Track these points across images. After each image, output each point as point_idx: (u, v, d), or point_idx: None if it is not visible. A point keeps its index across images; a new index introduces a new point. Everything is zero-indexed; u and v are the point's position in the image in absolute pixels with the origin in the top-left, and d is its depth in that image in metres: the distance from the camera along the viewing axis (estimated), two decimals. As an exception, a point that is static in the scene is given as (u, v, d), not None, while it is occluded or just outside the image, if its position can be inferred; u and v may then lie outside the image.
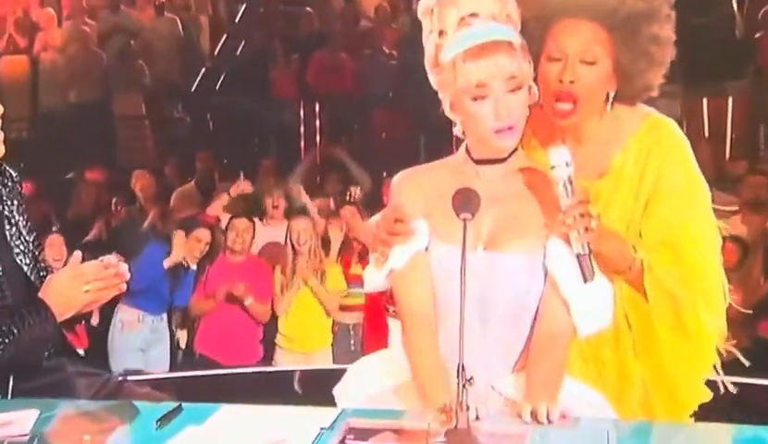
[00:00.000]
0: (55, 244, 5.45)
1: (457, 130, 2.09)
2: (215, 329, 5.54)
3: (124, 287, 2.20)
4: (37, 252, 2.31)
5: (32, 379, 2.17)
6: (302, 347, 5.68)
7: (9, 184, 2.28)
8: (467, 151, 2.11)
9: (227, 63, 10.47)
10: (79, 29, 9.78)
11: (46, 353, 2.22)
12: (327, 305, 5.71)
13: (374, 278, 2.11)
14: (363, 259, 5.85)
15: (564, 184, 2.00)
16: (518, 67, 1.99)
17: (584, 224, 1.98)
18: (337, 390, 2.19)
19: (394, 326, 6.17)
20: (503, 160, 2.08)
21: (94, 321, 5.36)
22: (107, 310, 5.50)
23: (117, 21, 10.05)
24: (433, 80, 2.08)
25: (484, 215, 1.96)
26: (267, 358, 5.71)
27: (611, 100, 2.22)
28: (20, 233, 2.26)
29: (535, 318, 2.07)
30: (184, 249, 5.56)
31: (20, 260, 2.23)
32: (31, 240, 2.30)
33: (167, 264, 5.56)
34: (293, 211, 6.27)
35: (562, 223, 1.99)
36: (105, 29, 9.96)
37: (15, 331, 2.09)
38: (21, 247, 2.25)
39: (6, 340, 2.08)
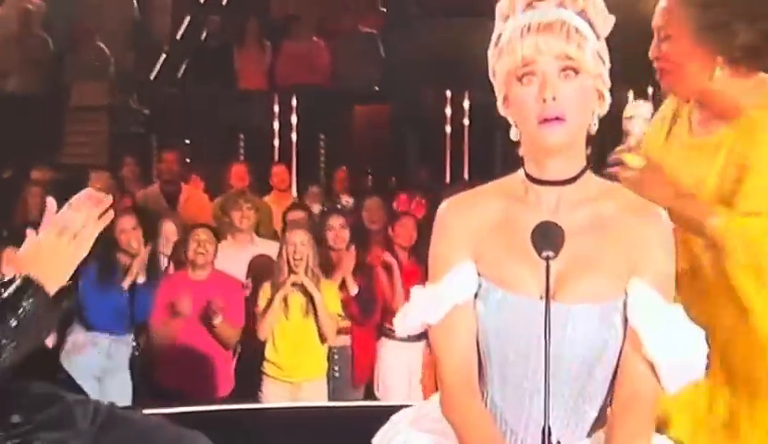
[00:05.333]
0: (13, 260, 5.57)
1: (513, 135, 2.06)
2: (180, 356, 5.47)
3: (112, 214, 2.06)
4: None
5: (30, 411, 2.13)
6: (293, 375, 5.68)
7: None
8: (524, 168, 2.07)
9: (190, 49, 10.63)
10: (21, 7, 9.91)
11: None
12: (327, 331, 5.69)
13: (405, 327, 2.11)
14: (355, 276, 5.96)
15: (635, 138, 2.42)
16: (576, 52, 1.98)
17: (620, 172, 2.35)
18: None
19: (385, 348, 6.10)
20: (569, 182, 2.04)
21: (50, 342, 5.42)
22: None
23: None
24: (491, 71, 2.08)
25: None
26: (253, 389, 5.65)
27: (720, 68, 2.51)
28: None
29: (613, 371, 2.04)
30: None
31: None
32: None
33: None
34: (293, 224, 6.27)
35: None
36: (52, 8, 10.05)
37: (13, 323, 1.92)
38: None
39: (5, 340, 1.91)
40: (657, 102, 2.71)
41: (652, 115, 2.54)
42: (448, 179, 9.43)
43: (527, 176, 2.06)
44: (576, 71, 1.99)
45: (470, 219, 2.08)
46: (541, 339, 1.87)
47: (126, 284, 5.58)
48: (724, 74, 2.49)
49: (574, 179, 2.05)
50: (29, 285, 1.96)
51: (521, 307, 2.01)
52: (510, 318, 2.02)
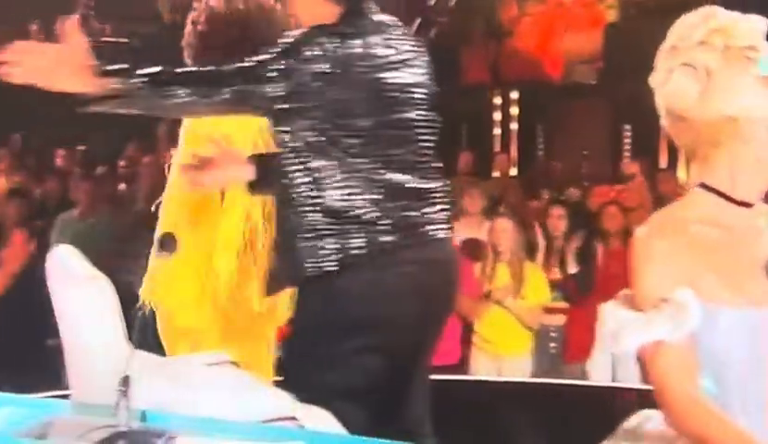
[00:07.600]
0: None
1: None
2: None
3: None
4: None
5: None
6: (500, 349, 5.85)
7: None
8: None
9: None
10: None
11: None
12: (526, 322, 5.85)
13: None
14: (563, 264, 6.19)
15: None
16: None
17: None
18: None
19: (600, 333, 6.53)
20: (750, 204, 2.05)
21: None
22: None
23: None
24: None
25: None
26: (464, 359, 5.82)
27: None
28: None
29: None
30: None
31: None
32: None
33: None
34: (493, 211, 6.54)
35: None
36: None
37: None
38: None
39: None
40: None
41: None
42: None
43: (723, 195, 2.05)
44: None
45: (681, 244, 1.99)
46: None
47: None
48: None
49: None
50: None
51: (750, 319, 2.01)
52: (745, 332, 2.00)
